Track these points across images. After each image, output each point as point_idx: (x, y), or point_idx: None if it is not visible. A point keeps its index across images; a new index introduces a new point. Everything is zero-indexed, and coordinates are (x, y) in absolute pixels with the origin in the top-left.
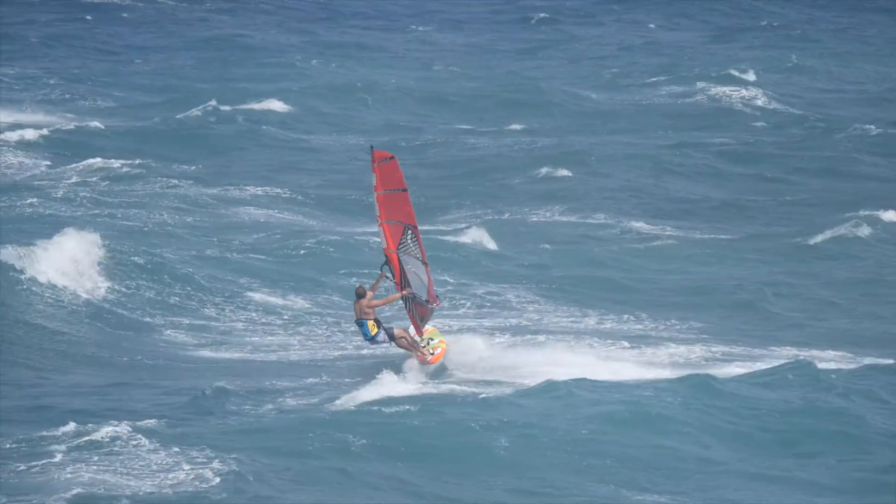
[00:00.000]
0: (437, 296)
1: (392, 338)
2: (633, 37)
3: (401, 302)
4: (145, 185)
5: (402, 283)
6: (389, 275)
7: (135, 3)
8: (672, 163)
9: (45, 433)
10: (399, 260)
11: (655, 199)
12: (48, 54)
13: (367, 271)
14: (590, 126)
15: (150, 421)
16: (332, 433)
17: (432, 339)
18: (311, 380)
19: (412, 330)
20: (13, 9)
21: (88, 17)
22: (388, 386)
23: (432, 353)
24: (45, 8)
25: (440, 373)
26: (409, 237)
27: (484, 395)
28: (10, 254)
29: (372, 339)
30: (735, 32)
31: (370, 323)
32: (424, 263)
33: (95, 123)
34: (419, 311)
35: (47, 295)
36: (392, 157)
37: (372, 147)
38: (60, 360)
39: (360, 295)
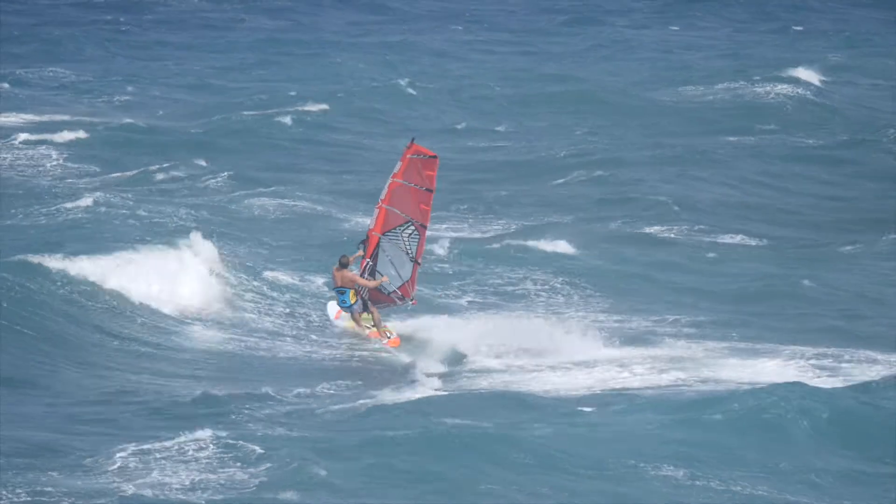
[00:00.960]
0: (413, 296)
1: (367, 308)
2: (684, 37)
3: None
4: (206, 187)
5: (372, 263)
6: (363, 252)
7: (170, 5)
8: (732, 165)
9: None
10: (379, 243)
11: (733, 206)
12: (85, 54)
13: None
14: (647, 126)
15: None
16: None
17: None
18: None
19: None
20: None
21: (122, 19)
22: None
23: (389, 337)
24: (80, 9)
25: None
26: (406, 231)
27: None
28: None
29: (349, 308)
30: (795, 33)
31: (351, 292)
32: (416, 262)
33: (143, 124)
34: (376, 296)
35: (130, 309)
36: (434, 157)
37: (413, 139)
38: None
39: (343, 264)
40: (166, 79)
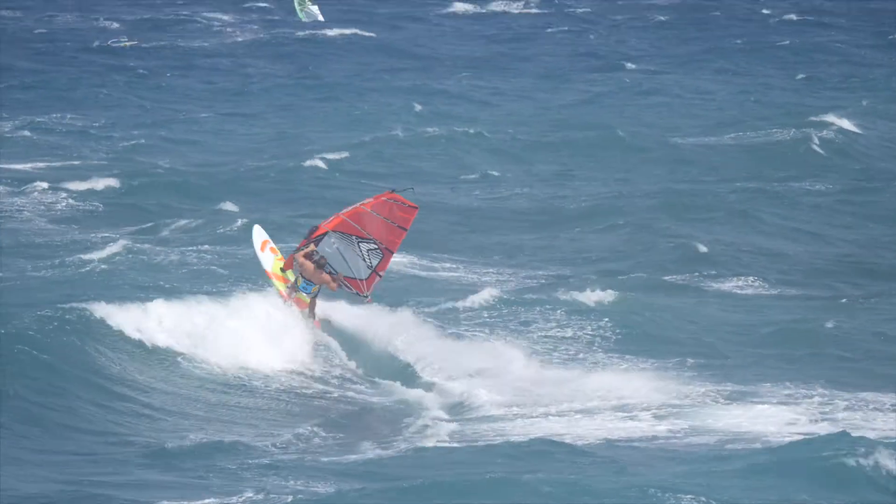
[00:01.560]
0: (368, 295)
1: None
2: (704, 82)
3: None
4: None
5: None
6: (314, 246)
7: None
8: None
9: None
10: (327, 234)
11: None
12: (98, 99)
13: None
14: (670, 171)
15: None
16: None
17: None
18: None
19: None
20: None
21: (132, 63)
22: None
23: (314, 318)
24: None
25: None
26: (365, 246)
27: None
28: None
29: (309, 295)
30: (826, 77)
31: (314, 288)
32: (377, 274)
33: (163, 169)
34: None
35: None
36: (414, 207)
37: (394, 189)
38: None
39: (320, 265)
40: (185, 124)
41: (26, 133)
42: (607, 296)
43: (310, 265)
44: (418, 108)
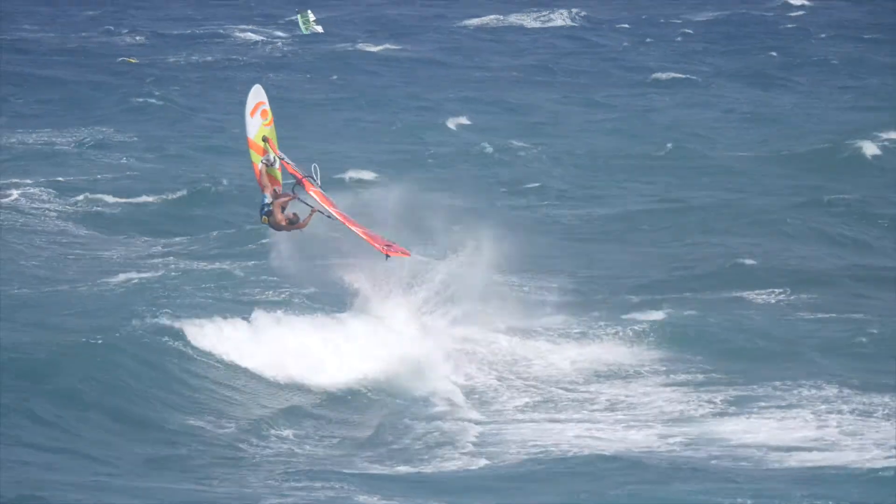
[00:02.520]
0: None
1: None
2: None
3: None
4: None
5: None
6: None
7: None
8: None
9: None
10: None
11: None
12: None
13: None
14: (731, 183)
15: None
16: None
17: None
18: None
19: None
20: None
21: (150, 84)
22: None
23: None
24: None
25: None
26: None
27: None
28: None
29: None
30: (875, 89)
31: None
32: (349, 220)
33: (203, 186)
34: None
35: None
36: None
37: (387, 258)
38: None
39: (291, 221)
40: (205, 139)
41: (63, 146)
42: (653, 307)
43: (280, 216)
44: (462, 120)
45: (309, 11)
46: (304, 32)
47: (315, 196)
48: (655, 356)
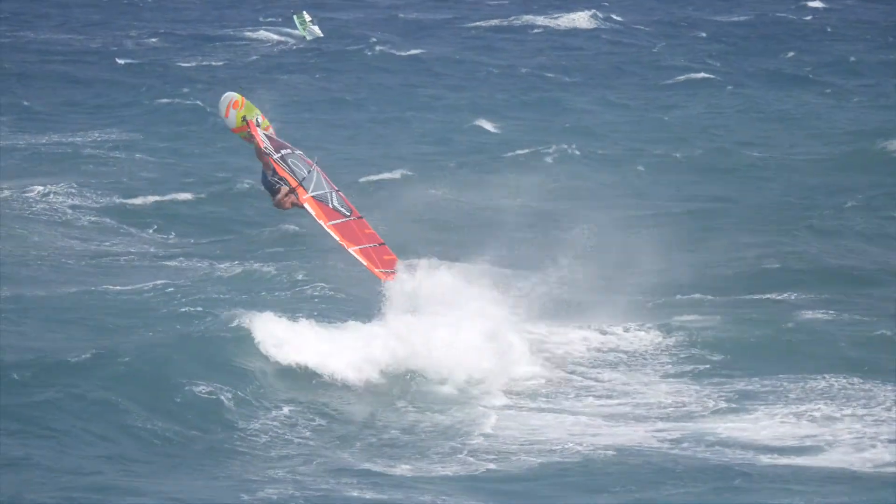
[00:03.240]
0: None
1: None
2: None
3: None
4: None
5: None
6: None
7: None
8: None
9: None
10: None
11: None
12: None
13: None
14: (768, 186)
15: None
16: None
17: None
18: None
19: None
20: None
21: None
22: None
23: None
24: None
25: None
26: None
27: None
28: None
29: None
30: None
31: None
32: (345, 236)
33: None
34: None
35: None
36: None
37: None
38: None
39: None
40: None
41: (87, 147)
42: (692, 311)
43: (285, 199)
44: (490, 122)
45: (304, 12)
46: (302, 33)
47: (309, 208)
48: (680, 356)
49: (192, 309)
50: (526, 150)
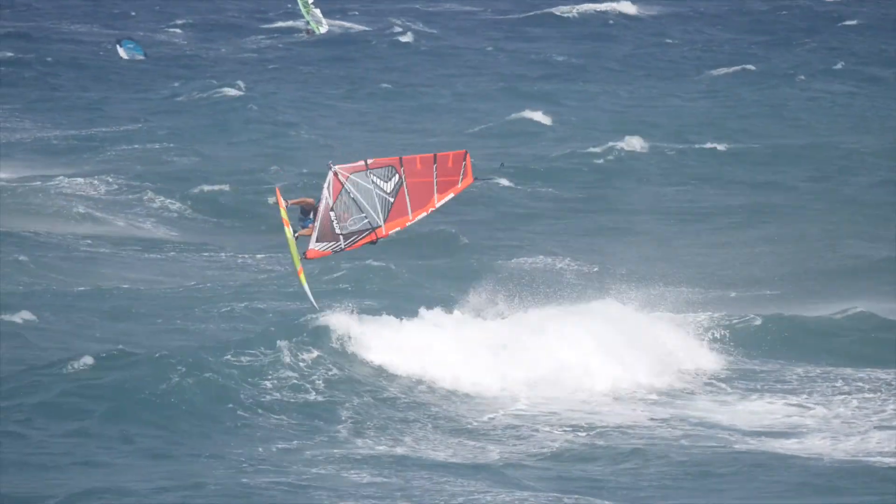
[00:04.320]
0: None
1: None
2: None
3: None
4: None
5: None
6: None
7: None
8: None
9: None
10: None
11: None
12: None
13: None
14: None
15: None
16: None
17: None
18: None
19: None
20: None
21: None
22: None
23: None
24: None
25: None
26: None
27: None
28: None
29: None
30: None
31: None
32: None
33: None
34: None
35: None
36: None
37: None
38: None
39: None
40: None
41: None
42: (748, 304)
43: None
44: (537, 114)
45: None
46: (306, 18)
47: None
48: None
49: (239, 305)
50: (568, 151)
